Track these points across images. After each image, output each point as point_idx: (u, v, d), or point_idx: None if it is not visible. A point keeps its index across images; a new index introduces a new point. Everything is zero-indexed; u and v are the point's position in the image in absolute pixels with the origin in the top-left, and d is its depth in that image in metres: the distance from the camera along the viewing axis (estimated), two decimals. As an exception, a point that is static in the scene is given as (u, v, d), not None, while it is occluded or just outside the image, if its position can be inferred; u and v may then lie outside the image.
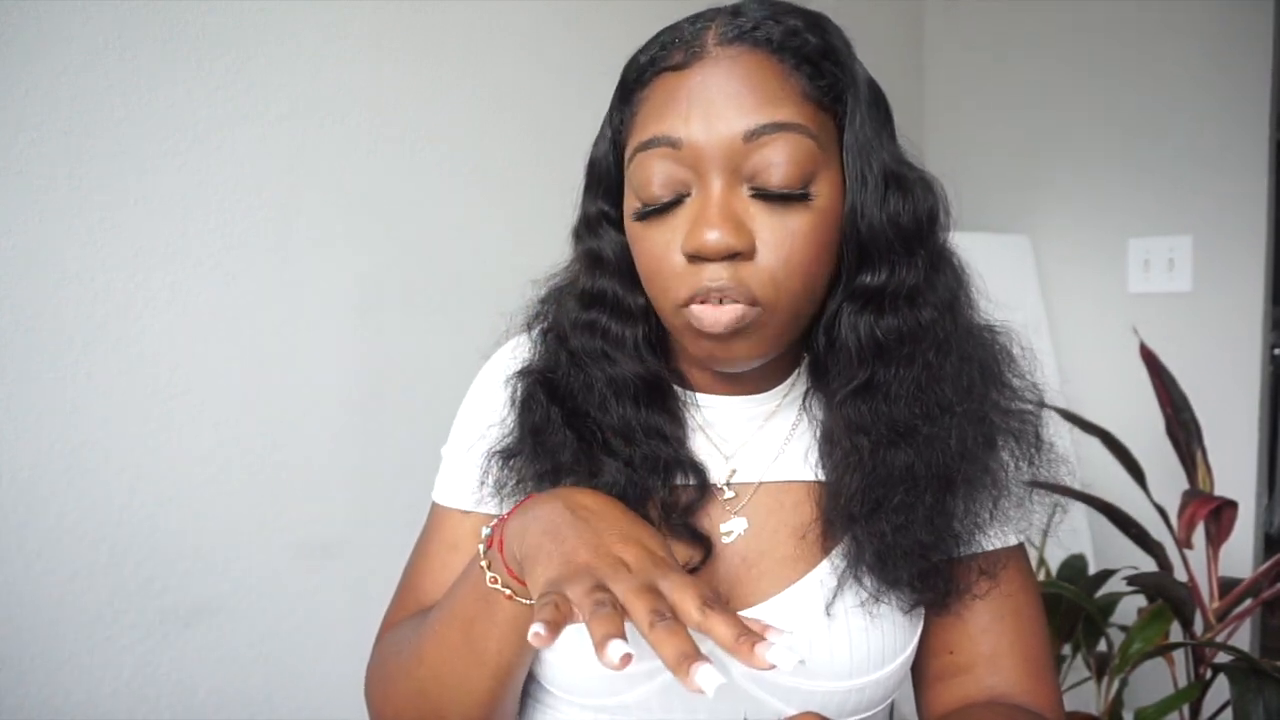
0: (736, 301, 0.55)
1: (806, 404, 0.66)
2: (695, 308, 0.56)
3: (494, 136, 1.27)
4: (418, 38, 1.18)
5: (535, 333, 0.69)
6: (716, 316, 0.55)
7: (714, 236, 0.53)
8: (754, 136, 0.53)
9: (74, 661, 0.91)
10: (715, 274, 0.54)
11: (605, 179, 0.63)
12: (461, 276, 1.24)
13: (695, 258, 0.54)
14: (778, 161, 0.53)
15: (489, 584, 0.54)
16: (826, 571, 0.61)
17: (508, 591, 0.54)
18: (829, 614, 0.59)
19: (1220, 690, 1.18)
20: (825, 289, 0.59)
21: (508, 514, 0.57)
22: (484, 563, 0.55)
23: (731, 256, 0.54)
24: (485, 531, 0.57)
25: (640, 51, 0.60)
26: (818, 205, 0.55)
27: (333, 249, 1.11)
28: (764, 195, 0.54)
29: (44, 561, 0.89)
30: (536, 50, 1.32)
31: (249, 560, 1.04)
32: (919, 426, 0.58)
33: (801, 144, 0.54)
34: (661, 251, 0.56)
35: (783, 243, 0.54)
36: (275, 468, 1.06)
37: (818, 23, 0.58)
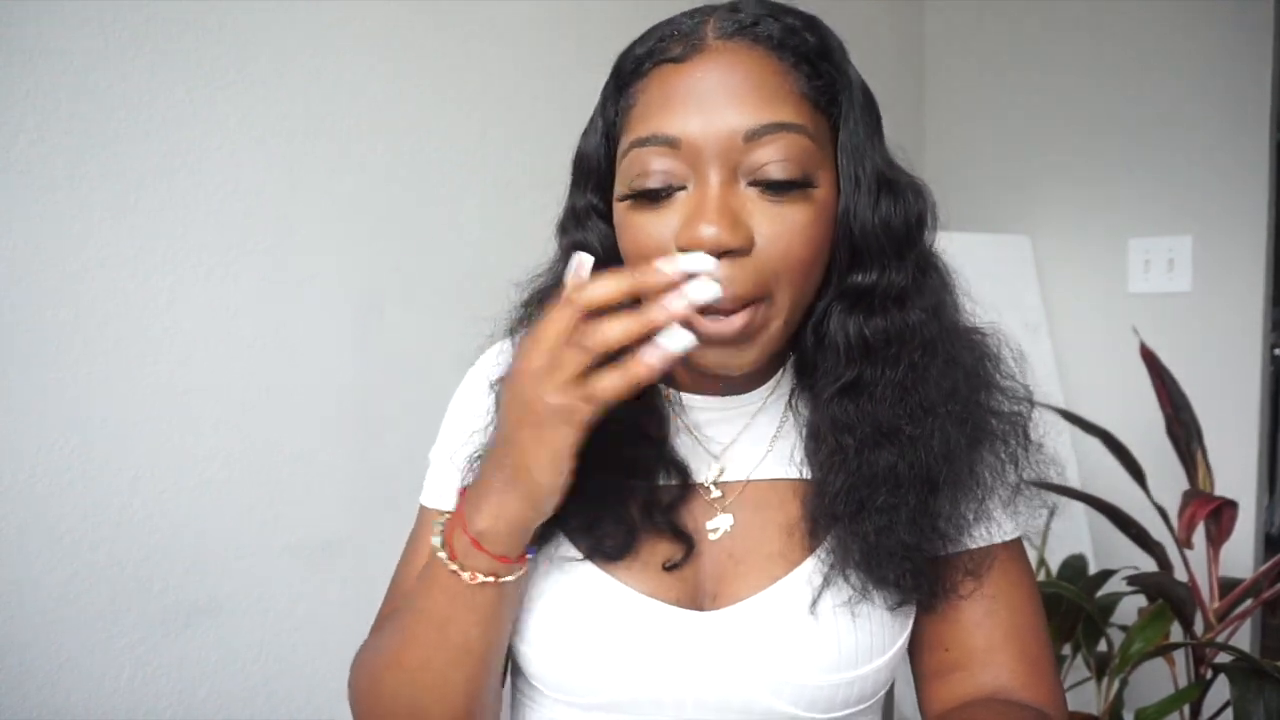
0: (735, 309, 0.54)
1: (792, 403, 0.66)
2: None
3: (492, 139, 1.27)
4: (416, 41, 1.18)
5: (518, 336, 0.68)
6: (719, 328, 0.55)
7: (710, 232, 0.52)
8: (754, 136, 0.53)
9: (74, 661, 0.91)
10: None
11: (595, 172, 0.62)
12: (460, 276, 1.24)
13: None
14: (777, 159, 0.54)
15: (469, 581, 0.54)
16: (812, 568, 0.61)
17: (491, 578, 0.54)
18: (814, 610, 0.59)
19: (1220, 690, 1.18)
20: (819, 287, 0.59)
21: (457, 510, 0.56)
22: (454, 567, 0.54)
23: (728, 254, 0.53)
24: (438, 539, 0.56)
25: (636, 43, 0.59)
26: (816, 199, 0.55)
27: (332, 250, 1.11)
28: (763, 187, 0.54)
29: (44, 562, 0.89)
30: (534, 52, 1.32)
31: (249, 560, 1.04)
32: (903, 427, 0.58)
33: (800, 143, 0.54)
34: (654, 243, 0.56)
35: (781, 235, 0.54)
36: (275, 468, 1.07)
37: (813, 24, 0.58)
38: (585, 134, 0.64)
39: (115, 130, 0.92)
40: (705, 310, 0.55)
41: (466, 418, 0.69)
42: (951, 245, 0.64)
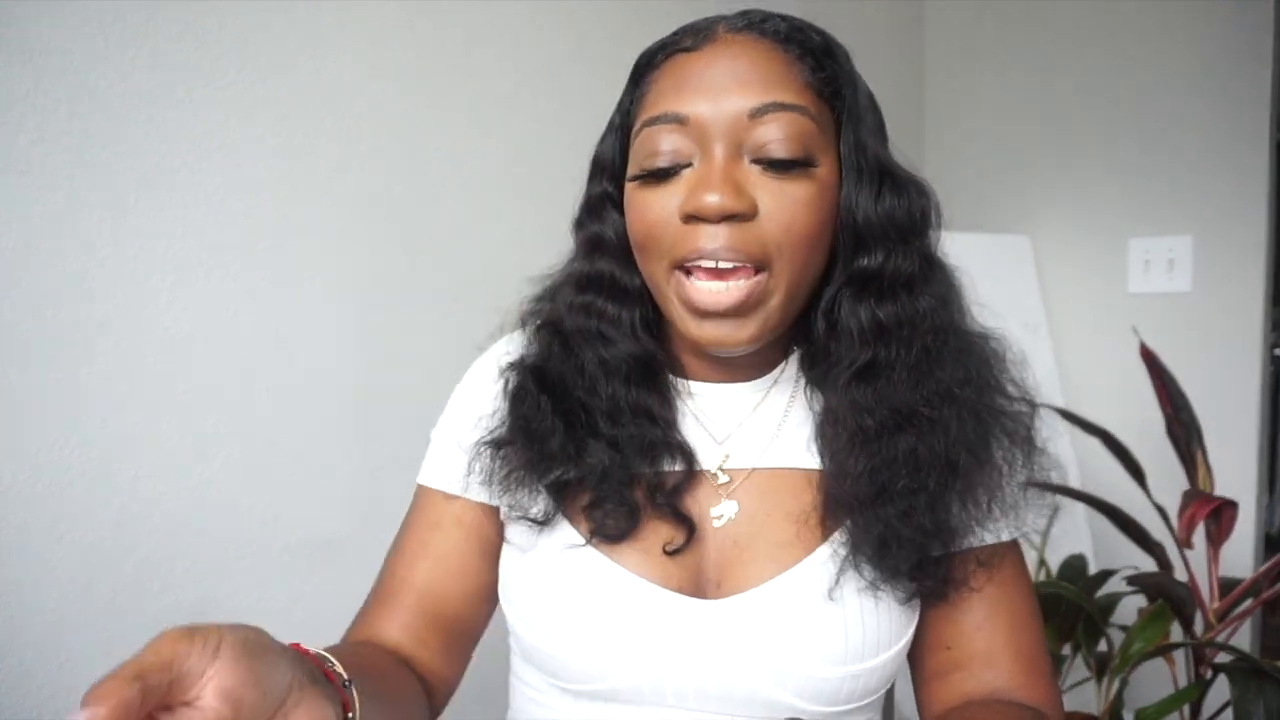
0: (738, 268, 0.56)
1: (805, 393, 0.66)
2: (695, 282, 0.57)
3: (494, 136, 1.27)
4: (416, 41, 1.18)
5: (530, 328, 0.70)
6: (717, 298, 0.56)
7: (713, 199, 0.54)
8: (758, 114, 0.56)
9: (74, 661, 0.91)
10: (712, 234, 0.55)
11: (611, 165, 0.65)
12: (461, 276, 1.24)
13: (693, 218, 0.56)
14: (779, 137, 0.56)
15: None
16: (825, 557, 0.61)
17: None
18: (829, 598, 0.59)
19: (1220, 690, 1.18)
20: (821, 271, 0.61)
21: None
22: None
23: (729, 220, 0.55)
24: None
25: (655, 43, 0.62)
26: (818, 178, 0.57)
27: (332, 249, 1.11)
28: (767, 164, 0.56)
29: (44, 561, 0.89)
30: (535, 53, 1.32)
31: (249, 560, 1.04)
32: (920, 410, 0.59)
33: (801, 123, 0.56)
34: (658, 215, 0.58)
35: (784, 208, 0.56)
36: (275, 468, 1.06)
37: (820, 30, 0.61)
38: (602, 137, 0.66)
39: (115, 130, 0.92)
40: (704, 275, 0.57)
41: (472, 402, 0.70)
42: (951, 245, 0.65)
